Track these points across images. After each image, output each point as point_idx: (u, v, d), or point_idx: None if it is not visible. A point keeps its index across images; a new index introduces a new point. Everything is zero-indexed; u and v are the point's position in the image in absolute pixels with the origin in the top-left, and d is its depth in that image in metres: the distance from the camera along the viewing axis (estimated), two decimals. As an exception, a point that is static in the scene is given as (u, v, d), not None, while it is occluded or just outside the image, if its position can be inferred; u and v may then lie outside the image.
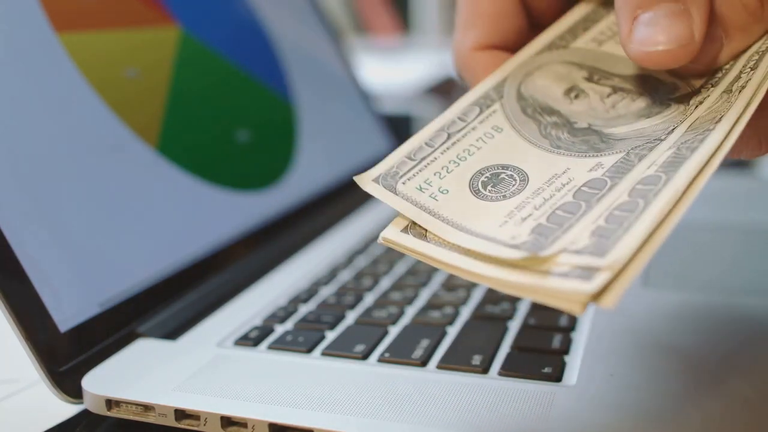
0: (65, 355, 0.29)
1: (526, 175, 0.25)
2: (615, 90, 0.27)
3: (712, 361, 0.28)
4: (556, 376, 0.27)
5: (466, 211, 0.24)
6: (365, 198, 0.52)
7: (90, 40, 0.37)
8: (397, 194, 0.25)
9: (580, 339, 0.30)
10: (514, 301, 0.34)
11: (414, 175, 0.25)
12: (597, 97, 0.27)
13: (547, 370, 0.27)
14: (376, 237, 0.44)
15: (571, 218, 0.22)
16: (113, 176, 0.35)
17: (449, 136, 0.26)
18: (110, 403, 0.28)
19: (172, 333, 0.33)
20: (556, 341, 0.30)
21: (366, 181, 0.25)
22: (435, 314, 0.33)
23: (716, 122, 0.23)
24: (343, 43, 0.60)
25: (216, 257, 0.38)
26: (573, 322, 0.32)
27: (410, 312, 0.34)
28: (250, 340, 0.32)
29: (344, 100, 0.57)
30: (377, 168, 0.25)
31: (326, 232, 0.46)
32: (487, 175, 0.25)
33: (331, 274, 0.39)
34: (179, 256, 0.36)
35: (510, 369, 0.28)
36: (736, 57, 0.25)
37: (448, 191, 0.25)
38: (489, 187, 0.24)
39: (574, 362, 0.28)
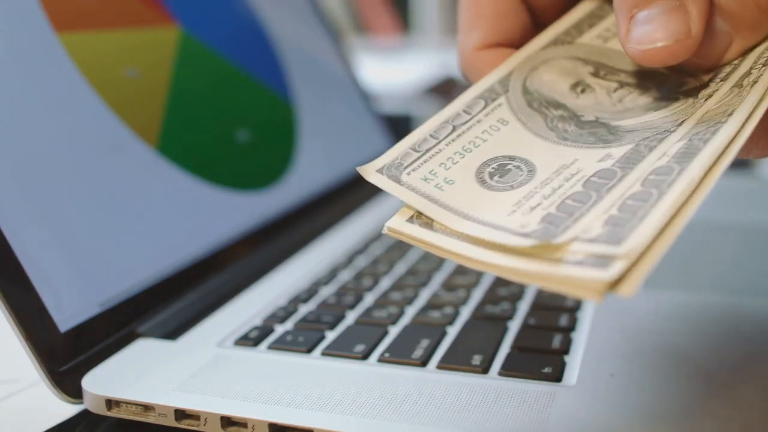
0: (65, 355, 0.29)
1: (534, 165, 0.24)
2: (621, 85, 0.27)
3: (712, 361, 0.28)
4: (556, 376, 0.27)
5: (473, 200, 0.23)
6: (365, 198, 0.52)
7: (90, 40, 0.37)
8: (401, 185, 0.24)
9: (580, 339, 0.30)
10: (514, 301, 0.34)
11: (419, 166, 0.25)
12: (603, 92, 0.26)
13: (547, 370, 0.27)
14: (377, 237, 0.44)
15: (581, 207, 0.22)
16: (113, 176, 0.35)
17: (454, 129, 0.26)
18: (110, 403, 0.28)
19: (172, 333, 0.33)
20: (556, 341, 0.30)
21: (370, 172, 0.25)
22: (435, 314, 0.33)
23: (728, 115, 0.23)
24: (343, 43, 0.60)
25: (216, 257, 0.38)
26: (573, 322, 0.32)
27: (410, 312, 0.34)
28: (250, 340, 0.32)
29: (344, 100, 0.57)
30: (381, 159, 0.25)
31: (326, 232, 0.46)
32: (494, 165, 0.25)
33: (331, 274, 0.39)
34: (179, 256, 0.36)
35: (510, 369, 0.28)
36: (745, 53, 0.25)
37: (454, 182, 0.24)
38: (496, 178, 0.24)
39: (574, 362, 0.28)
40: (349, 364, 0.29)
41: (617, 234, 0.20)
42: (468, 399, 0.26)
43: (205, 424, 0.26)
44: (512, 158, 0.25)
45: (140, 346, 0.31)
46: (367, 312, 0.34)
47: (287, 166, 0.47)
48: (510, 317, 0.33)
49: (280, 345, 0.31)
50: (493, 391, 0.26)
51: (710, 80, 0.25)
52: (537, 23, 0.30)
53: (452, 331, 0.32)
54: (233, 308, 0.35)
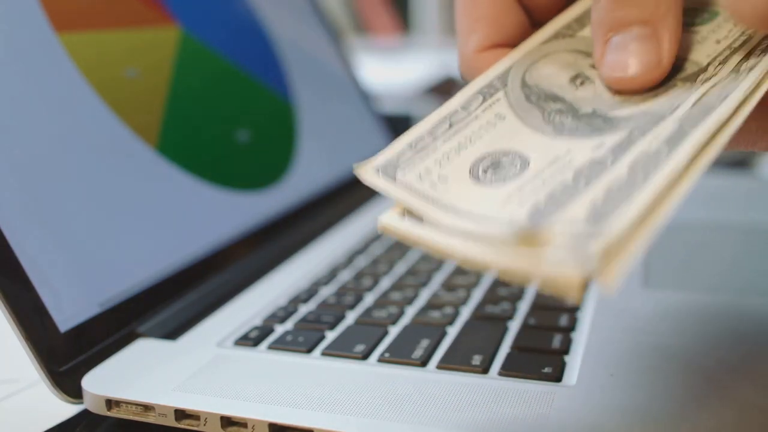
0: (65, 355, 0.29)
1: (528, 159, 0.24)
2: None
3: (712, 361, 0.28)
4: (556, 376, 0.27)
5: (465, 196, 0.23)
6: (365, 198, 0.52)
7: (90, 40, 0.37)
8: (396, 184, 0.24)
9: (580, 339, 0.30)
10: (514, 301, 0.34)
11: (415, 164, 0.25)
12: (602, 83, 0.26)
13: (547, 370, 0.27)
14: (377, 237, 0.44)
15: (568, 196, 0.22)
16: (113, 176, 0.35)
17: (451, 125, 0.26)
18: (110, 403, 0.28)
19: (172, 333, 0.33)
20: (556, 341, 0.30)
21: (366, 171, 0.25)
22: (435, 314, 0.33)
23: (722, 100, 0.23)
24: (343, 43, 0.60)
25: (216, 257, 0.38)
26: (573, 322, 0.32)
27: (410, 312, 0.34)
28: (250, 340, 0.32)
29: (344, 100, 0.57)
30: (378, 158, 0.25)
31: (326, 232, 0.46)
32: (488, 161, 0.25)
33: (331, 274, 0.39)
34: (179, 256, 0.36)
35: (510, 369, 0.28)
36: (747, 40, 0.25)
37: (447, 178, 0.24)
38: (489, 173, 0.24)
39: (574, 362, 0.28)
40: (349, 364, 0.29)
41: (597, 217, 0.20)
42: (468, 399, 0.26)
43: (205, 424, 0.27)
44: (506, 153, 0.25)
45: (140, 346, 0.31)
46: (367, 312, 0.34)
47: (287, 166, 0.47)
48: (510, 317, 0.33)
49: (280, 345, 0.31)
50: (493, 391, 0.26)
51: (709, 64, 0.25)
52: (535, 23, 0.30)
53: (452, 331, 0.32)
54: (233, 308, 0.35)
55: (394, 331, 0.32)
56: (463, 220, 0.22)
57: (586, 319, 0.32)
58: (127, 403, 0.28)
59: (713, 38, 0.26)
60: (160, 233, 0.36)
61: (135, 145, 0.37)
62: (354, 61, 0.61)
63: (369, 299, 0.36)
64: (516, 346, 0.30)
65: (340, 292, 0.36)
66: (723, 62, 0.25)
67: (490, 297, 0.35)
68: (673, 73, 0.26)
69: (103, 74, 0.36)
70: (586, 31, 0.29)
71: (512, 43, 0.29)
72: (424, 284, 0.37)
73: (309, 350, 0.31)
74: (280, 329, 0.33)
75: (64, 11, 0.36)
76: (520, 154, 0.25)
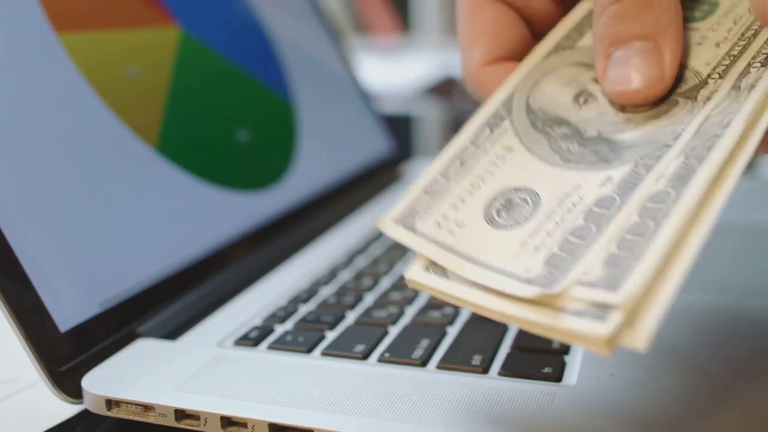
0: (65, 355, 0.29)
1: (538, 197, 0.24)
2: None
3: (712, 360, 0.28)
4: (556, 376, 0.27)
5: (482, 243, 0.24)
6: (365, 198, 0.52)
7: (90, 40, 0.37)
8: (416, 234, 0.24)
9: (580, 339, 0.30)
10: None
11: (431, 211, 0.25)
12: (605, 99, 0.26)
13: (547, 370, 0.27)
14: (377, 237, 0.44)
15: (581, 244, 0.22)
16: (113, 176, 0.35)
17: (462, 163, 0.26)
18: (110, 403, 0.28)
19: (172, 333, 0.33)
20: (556, 341, 0.30)
21: (386, 224, 0.25)
22: (435, 314, 0.33)
23: (724, 127, 0.22)
24: (343, 43, 0.60)
25: (216, 257, 0.38)
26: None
27: (410, 312, 0.34)
28: (250, 340, 0.32)
29: (344, 100, 0.57)
30: (396, 208, 0.25)
31: (326, 232, 0.46)
32: (501, 201, 0.25)
33: (331, 274, 0.39)
34: (179, 256, 0.36)
35: (510, 369, 0.28)
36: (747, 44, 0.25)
37: (464, 224, 0.24)
38: (503, 214, 0.24)
39: (574, 362, 0.28)
40: (349, 364, 0.29)
41: (614, 278, 0.20)
42: (468, 399, 0.26)
43: (205, 424, 0.27)
44: (518, 190, 0.25)
45: (140, 346, 0.31)
46: (367, 312, 0.34)
47: (287, 166, 0.47)
48: (510, 317, 0.33)
49: (280, 345, 0.31)
50: (493, 391, 0.26)
51: (709, 76, 0.25)
52: (536, 35, 0.30)
53: (452, 331, 0.32)
54: (233, 308, 0.35)
55: (394, 331, 0.32)
56: (483, 271, 0.22)
57: (586, 319, 0.32)
58: (127, 403, 0.28)
59: (713, 40, 0.26)
60: (160, 233, 0.36)
61: (135, 145, 0.37)
62: (354, 61, 0.61)
63: (369, 299, 0.36)
64: (516, 346, 0.30)
65: (340, 292, 0.36)
66: (722, 75, 0.25)
67: (490, 297, 0.35)
68: (675, 86, 0.26)
69: (103, 74, 0.36)
70: (586, 40, 0.29)
71: (515, 56, 0.29)
72: (424, 284, 0.37)
73: (309, 350, 0.31)
74: (280, 329, 0.33)
75: (64, 11, 0.36)
76: (531, 190, 0.25)
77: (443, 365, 0.29)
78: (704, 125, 0.23)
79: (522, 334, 0.31)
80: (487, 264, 0.23)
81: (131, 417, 0.28)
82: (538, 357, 0.29)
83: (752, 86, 0.23)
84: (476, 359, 0.29)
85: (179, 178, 0.38)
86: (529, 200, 0.24)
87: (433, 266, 0.24)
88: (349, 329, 0.32)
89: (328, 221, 0.47)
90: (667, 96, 0.25)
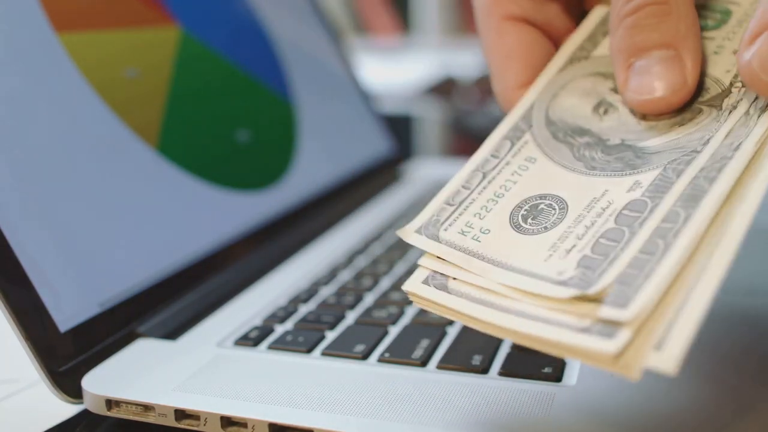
0: (65, 355, 0.29)
1: (565, 202, 0.24)
2: None
3: (711, 360, 0.28)
4: (556, 376, 0.27)
5: (509, 248, 0.24)
6: (365, 198, 0.52)
7: (90, 40, 0.37)
8: (440, 242, 0.24)
9: (580, 339, 0.30)
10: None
11: (455, 220, 0.25)
12: (626, 109, 0.26)
13: (547, 370, 0.27)
14: (377, 237, 0.44)
15: (616, 246, 0.22)
16: (113, 176, 0.35)
17: (484, 176, 0.26)
18: (110, 403, 0.28)
19: (172, 333, 0.33)
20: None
21: (409, 233, 0.25)
22: (435, 314, 0.33)
23: (735, 149, 0.22)
24: (343, 43, 0.60)
25: (216, 257, 0.38)
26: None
27: (410, 312, 0.34)
28: (250, 340, 0.32)
29: (344, 100, 0.57)
30: (419, 218, 0.25)
31: (326, 232, 0.46)
32: (526, 207, 0.25)
33: (331, 274, 0.39)
34: (179, 256, 0.36)
35: (510, 369, 0.28)
36: None
37: (489, 231, 0.24)
38: (529, 220, 0.24)
39: (574, 362, 0.28)
40: (349, 364, 0.29)
41: (624, 295, 0.20)
42: (468, 399, 0.26)
43: (205, 424, 0.27)
44: (543, 197, 0.25)
45: (140, 346, 0.31)
46: (367, 312, 0.34)
47: (287, 166, 0.47)
48: (510, 317, 0.33)
49: (280, 345, 0.31)
50: (493, 391, 0.26)
51: (732, 84, 0.25)
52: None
53: (452, 331, 0.32)
54: (233, 308, 0.35)
55: (394, 331, 0.32)
56: (512, 275, 0.22)
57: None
58: (127, 403, 0.28)
59: (729, 48, 0.26)
60: (160, 233, 0.36)
61: (135, 145, 0.37)
62: (354, 61, 0.61)
63: (369, 299, 0.36)
64: (516, 346, 0.30)
65: (340, 292, 0.36)
66: (744, 85, 0.25)
67: (490, 297, 0.35)
68: (697, 97, 0.25)
69: (103, 74, 0.36)
70: (601, 49, 0.29)
71: None
72: (424, 284, 0.37)
73: (309, 350, 0.31)
74: (280, 329, 0.33)
75: (64, 11, 0.36)
76: (557, 196, 0.25)
77: (443, 365, 0.29)
78: (732, 131, 0.23)
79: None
80: (516, 268, 0.23)
81: (131, 417, 0.28)
82: (538, 357, 0.29)
83: (763, 110, 0.23)
84: (476, 359, 0.29)
85: (179, 178, 0.38)
86: (556, 206, 0.24)
87: (434, 279, 0.24)
88: (349, 329, 0.32)
89: (328, 221, 0.47)
90: (689, 104, 0.25)
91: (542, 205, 0.24)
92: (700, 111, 0.25)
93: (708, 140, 0.24)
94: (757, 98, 0.24)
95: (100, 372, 0.29)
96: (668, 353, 0.18)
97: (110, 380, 0.29)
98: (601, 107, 0.27)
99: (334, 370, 0.29)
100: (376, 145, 0.58)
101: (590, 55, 0.29)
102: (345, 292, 0.37)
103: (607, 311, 0.20)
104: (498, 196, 0.25)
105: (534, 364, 0.28)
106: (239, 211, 0.41)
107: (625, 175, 0.24)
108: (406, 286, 0.24)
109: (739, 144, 0.23)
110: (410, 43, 1.83)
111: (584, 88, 0.28)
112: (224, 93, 0.45)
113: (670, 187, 0.23)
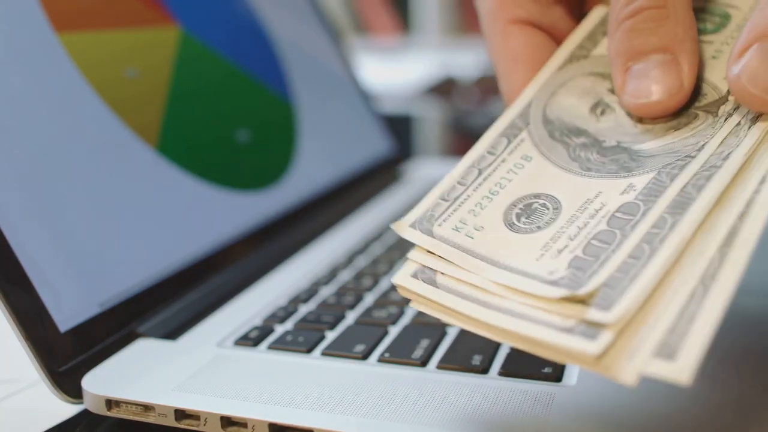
0: (65, 355, 0.29)
1: (559, 202, 0.24)
2: None
3: (711, 360, 0.28)
4: (556, 376, 0.27)
5: (502, 246, 0.24)
6: (365, 198, 0.52)
7: (90, 40, 0.37)
8: (434, 237, 0.25)
9: (580, 339, 0.30)
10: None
11: (449, 216, 0.25)
12: (623, 111, 0.26)
13: (547, 370, 0.27)
14: (377, 237, 0.44)
15: (607, 249, 0.22)
16: (113, 176, 0.35)
17: (480, 172, 0.26)
18: (110, 403, 0.28)
19: (172, 333, 0.33)
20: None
21: (403, 228, 0.25)
22: (435, 314, 0.33)
23: (724, 159, 0.23)
24: (343, 43, 0.60)
25: (216, 257, 0.38)
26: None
27: (410, 312, 0.34)
28: (250, 340, 0.32)
29: (344, 100, 0.57)
30: (413, 213, 0.25)
31: (326, 232, 0.46)
32: (521, 206, 0.25)
33: (331, 274, 0.39)
34: (179, 256, 0.36)
35: (510, 369, 0.28)
36: None
37: (483, 228, 0.24)
38: (523, 219, 0.24)
39: (574, 362, 0.28)
40: (349, 364, 0.29)
41: (608, 298, 0.20)
42: (468, 399, 0.26)
43: (205, 424, 0.27)
44: (537, 196, 0.25)
45: (140, 346, 0.31)
46: (367, 312, 0.34)
47: (287, 166, 0.47)
48: (510, 317, 0.33)
49: (280, 345, 0.31)
50: (493, 391, 0.26)
51: (729, 92, 0.25)
52: None
53: (452, 331, 0.32)
54: (233, 308, 0.35)
55: (394, 331, 0.32)
56: (503, 273, 0.23)
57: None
58: (127, 403, 0.28)
59: (727, 53, 0.26)
60: (160, 233, 0.36)
61: (135, 145, 0.37)
62: (354, 61, 0.61)
63: (369, 299, 0.36)
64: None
65: (340, 292, 0.36)
66: None
67: (490, 297, 0.35)
68: (693, 102, 0.26)
69: (103, 74, 0.36)
70: (600, 49, 0.29)
71: None
72: (424, 284, 0.37)
73: (309, 350, 0.31)
74: (280, 329, 0.33)
75: (64, 11, 0.36)
76: (551, 196, 0.25)
77: (443, 365, 0.29)
78: (726, 139, 0.23)
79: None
80: (507, 266, 0.23)
81: (131, 417, 0.28)
82: (538, 357, 0.29)
83: (753, 121, 0.23)
84: (476, 359, 0.29)
85: (179, 178, 0.38)
86: (549, 206, 0.24)
87: (422, 273, 0.24)
88: (349, 329, 0.32)
89: (328, 221, 0.47)
90: (685, 108, 0.25)
91: (536, 205, 0.25)
92: (696, 116, 0.25)
93: (702, 146, 0.24)
94: (748, 110, 0.24)
95: (100, 372, 0.29)
96: (682, 363, 0.19)
97: (110, 380, 0.29)
98: (599, 108, 0.27)
99: (334, 370, 0.29)
100: (376, 145, 0.58)
101: (590, 54, 0.29)
102: (345, 292, 0.37)
103: (591, 313, 0.20)
104: (493, 194, 0.25)
105: (534, 364, 0.28)
106: (239, 211, 0.41)
107: (620, 177, 0.24)
108: (395, 279, 0.24)
109: (729, 153, 0.23)
110: (410, 43, 1.83)
111: (583, 88, 0.28)
112: (224, 93, 0.45)
113: (663, 191, 0.23)
